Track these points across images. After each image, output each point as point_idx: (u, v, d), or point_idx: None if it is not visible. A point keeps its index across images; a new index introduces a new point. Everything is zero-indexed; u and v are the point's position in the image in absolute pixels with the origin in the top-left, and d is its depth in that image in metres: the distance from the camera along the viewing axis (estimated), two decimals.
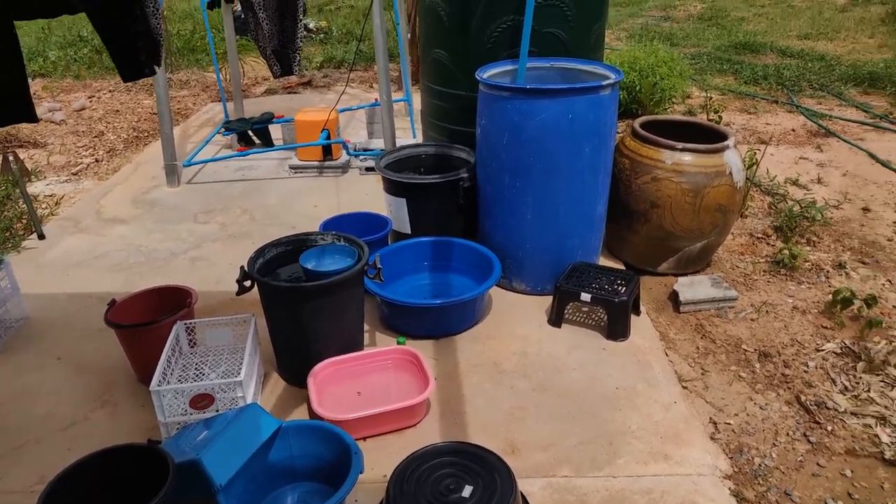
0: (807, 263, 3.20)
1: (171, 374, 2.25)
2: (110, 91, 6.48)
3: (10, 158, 4.27)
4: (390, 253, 2.92)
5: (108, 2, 1.54)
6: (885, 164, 4.39)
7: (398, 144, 4.50)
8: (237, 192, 4.11)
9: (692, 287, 2.89)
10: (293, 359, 2.38)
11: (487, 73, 2.84)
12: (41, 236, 3.57)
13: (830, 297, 2.81)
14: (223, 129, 4.68)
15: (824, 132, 5.04)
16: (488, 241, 2.94)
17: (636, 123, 3.03)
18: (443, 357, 2.56)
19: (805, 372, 2.46)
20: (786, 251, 3.18)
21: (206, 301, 2.92)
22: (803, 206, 3.57)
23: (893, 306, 2.87)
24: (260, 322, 2.45)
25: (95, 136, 5.21)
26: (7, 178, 4.14)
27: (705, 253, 3.05)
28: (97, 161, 4.74)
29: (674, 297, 2.90)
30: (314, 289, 2.21)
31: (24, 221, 3.74)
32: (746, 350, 2.61)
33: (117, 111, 5.78)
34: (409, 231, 3.06)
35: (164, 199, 4.04)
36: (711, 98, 4.77)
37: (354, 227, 3.08)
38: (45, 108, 5.75)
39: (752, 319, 2.79)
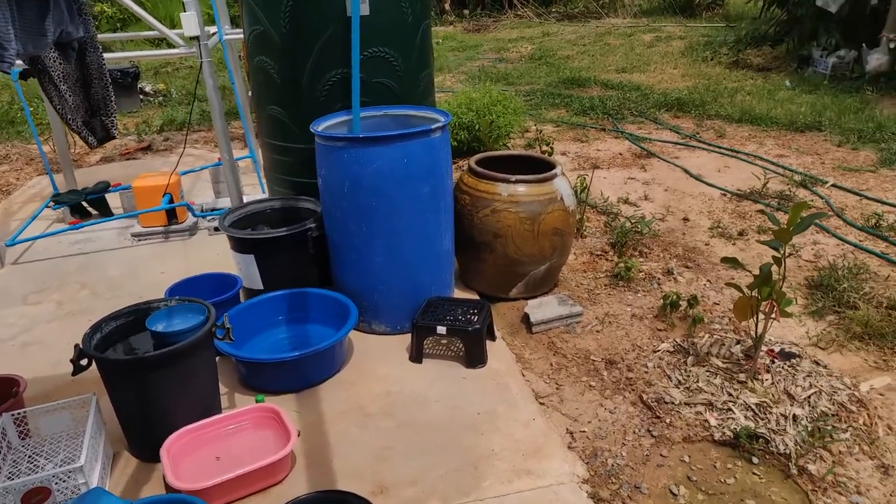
0: (641, 274, 3.50)
1: None
2: None
3: None
4: (243, 310, 2.85)
5: None
6: (697, 178, 4.92)
7: (246, 201, 4.44)
8: (74, 268, 3.84)
9: (541, 308, 3.06)
10: (144, 434, 2.25)
11: (323, 126, 2.90)
12: None
13: (662, 301, 3.09)
14: (52, 203, 4.37)
15: (646, 154, 5.57)
16: (342, 287, 2.96)
17: (472, 161, 3.21)
18: (306, 409, 2.52)
19: (645, 373, 2.67)
20: (622, 264, 3.46)
21: (41, 387, 2.70)
22: (633, 221, 3.91)
23: (713, 303, 3.21)
24: (104, 400, 2.29)
25: None
26: None
27: (550, 274, 3.26)
28: None
29: (526, 319, 3.05)
30: (158, 358, 2.11)
31: None
32: (595, 360, 2.80)
33: None
34: (261, 287, 3.01)
35: None
36: (542, 132, 5.13)
37: (202, 289, 3.00)
38: None
39: (597, 331, 3.00)
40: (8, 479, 2.06)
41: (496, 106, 5.00)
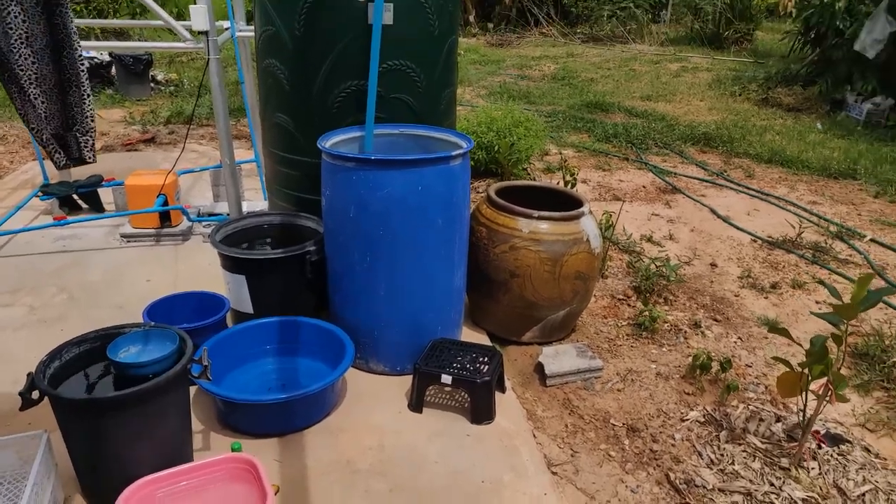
0: (666, 325, 3.21)
1: None
2: None
3: None
4: (227, 337, 2.57)
5: None
6: (725, 220, 4.63)
7: (248, 208, 4.17)
8: (54, 267, 3.56)
9: (557, 358, 2.77)
10: (98, 482, 1.97)
11: (332, 141, 2.63)
12: None
13: (690, 359, 2.80)
14: (40, 194, 4.11)
15: (671, 188, 5.29)
16: (340, 319, 2.67)
17: (492, 191, 2.93)
18: (289, 458, 2.23)
19: (672, 446, 2.37)
20: (646, 314, 3.17)
21: None
22: (658, 264, 3.63)
23: (746, 364, 2.92)
24: (56, 436, 2.01)
25: None
26: None
27: (569, 320, 2.97)
28: None
29: (540, 369, 2.76)
30: (119, 400, 1.83)
31: None
32: (615, 425, 2.50)
33: None
34: (250, 311, 2.73)
35: None
36: (566, 161, 4.84)
37: (186, 309, 2.73)
38: None
39: (618, 390, 2.70)
40: None
41: (518, 128, 4.73)
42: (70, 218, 3.85)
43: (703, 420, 2.49)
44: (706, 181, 5.51)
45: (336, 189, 2.48)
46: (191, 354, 2.01)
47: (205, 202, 4.41)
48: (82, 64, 1.66)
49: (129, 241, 3.87)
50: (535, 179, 4.93)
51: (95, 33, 10.27)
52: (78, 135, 1.73)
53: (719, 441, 2.35)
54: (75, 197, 4.18)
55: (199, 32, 3.35)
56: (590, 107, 8.09)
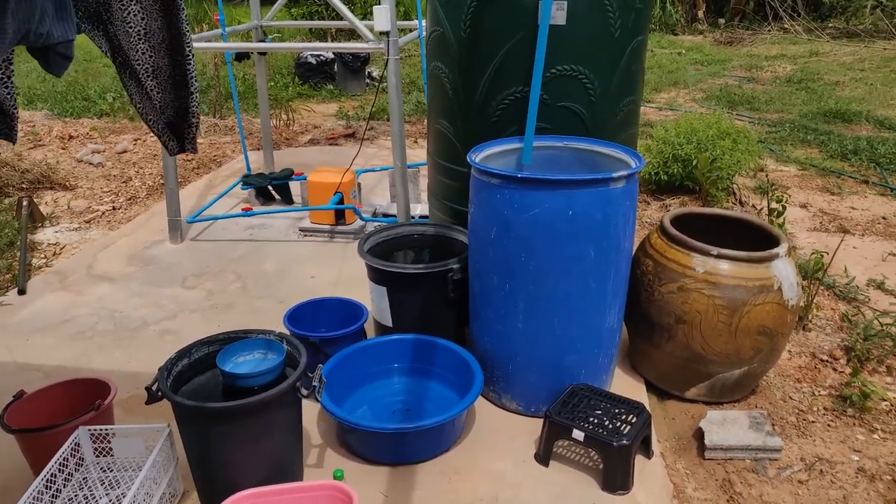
0: (884, 404, 2.54)
1: (57, 495, 1.89)
2: None
3: (24, 203, 4.19)
4: (361, 351, 2.50)
5: None
6: None
7: (423, 212, 4.14)
8: (238, 255, 3.82)
9: (724, 427, 2.31)
10: (206, 484, 1.99)
11: (487, 153, 2.42)
12: (21, 291, 3.37)
13: None
14: (242, 184, 4.46)
15: None
16: (476, 346, 2.48)
17: (666, 218, 2.52)
18: (395, 493, 2.09)
19: None
20: (856, 385, 2.54)
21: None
22: (887, 321, 2.91)
23: None
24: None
25: (123, 182, 5.11)
26: (19, 224, 4.03)
27: (746, 381, 2.47)
28: (114, 209, 4.60)
29: (700, 435, 2.32)
30: (224, 411, 1.82)
31: (14, 272, 3.57)
32: None
33: (155, 155, 5.72)
34: (389, 324, 2.64)
35: (161, 256, 3.80)
36: (773, 185, 4.10)
37: (327, 316, 2.72)
38: (87, 149, 5.75)
39: (799, 482, 2.17)
40: None
41: (724, 140, 4.13)
42: (254, 209, 4.12)
43: None
44: None
45: (479, 207, 2.28)
46: (302, 371, 1.95)
47: (384, 202, 4.47)
48: (192, 63, 1.67)
49: (305, 236, 4.03)
50: (739, 202, 4.28)
51: (331, 33, 11.18)
52: (184, 125, 1.76)
53: None
54: (270, 188, 4.48)
55: (381, 33, 3.35)
56: (828, 116, 6.95)
